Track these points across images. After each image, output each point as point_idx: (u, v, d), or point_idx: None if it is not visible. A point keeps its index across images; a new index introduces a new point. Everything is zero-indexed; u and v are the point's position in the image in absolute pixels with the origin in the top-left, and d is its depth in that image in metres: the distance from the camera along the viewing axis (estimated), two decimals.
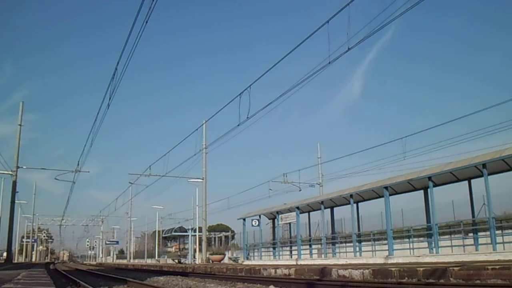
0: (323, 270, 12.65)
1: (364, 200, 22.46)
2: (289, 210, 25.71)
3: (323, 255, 23.09)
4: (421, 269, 9.81)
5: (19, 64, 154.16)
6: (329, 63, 12.11)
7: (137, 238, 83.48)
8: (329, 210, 25.19)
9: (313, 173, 34.81)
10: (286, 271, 14.45)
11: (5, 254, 33.84)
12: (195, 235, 37.86)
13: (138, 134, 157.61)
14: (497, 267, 8.54)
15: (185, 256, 43.36)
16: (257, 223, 28.87)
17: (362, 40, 11.10)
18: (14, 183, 28.78)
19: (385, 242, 19.06)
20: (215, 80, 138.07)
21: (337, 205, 24.43)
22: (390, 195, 18.95)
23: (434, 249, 16.47)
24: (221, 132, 38.60)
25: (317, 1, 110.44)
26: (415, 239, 20.15)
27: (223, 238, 63.83)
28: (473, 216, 17.15)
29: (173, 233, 49.90)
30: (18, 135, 29.24)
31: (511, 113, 21.57)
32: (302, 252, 24.73)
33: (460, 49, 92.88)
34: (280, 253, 27.47)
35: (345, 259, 20.62)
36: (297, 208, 24.84)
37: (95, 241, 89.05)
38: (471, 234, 16.78)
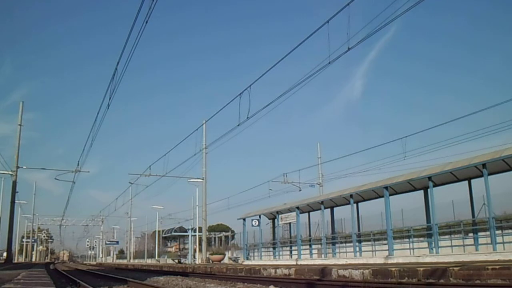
0: (323, 270, 12.65)
1: (364, 200, 22.45)
2: (289, 210, 25.70)
3: (323, 255, 23.08)
4: (421, 269, 9.81)
5: (19, 63, 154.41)
6: (329, 63, 12.12)
7: (137, 238, 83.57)
8: (329, 210, 25.18)
9: (313, 173, 34.88)
10: (286, 271, 14.44)
11: (5, 254, 33.85)
12: (195, 235, 37.85)
13: (138, 134, 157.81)
14: (497, 267, 8.54)
15: (185, 256, 43.31)
16: (257, 223, 28.86)
17: (362, 40, 11.10)
18: (14, 183, 28.78)
19: (385, 242, 19.05)
20: (215, 80, 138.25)
21: (337, 205, 24.42)
22: (390, 195, 18.95)
23: (434, 249, 16.46)
24: (221, 132, 38.56)
25: (317, 1, 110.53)
26: (415, 239, 20.15)
27: (223, 238, 63.76)
28: (473, 216, 17.14)
29: (173, 233, 49.79)
30: (18, 135, 29.24)
31: (511, 113, 21.58)
32: (302, 252, 24.72)
33: (460, 49, 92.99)
34: (280, 253, 27.47)
35: (345, 259, 20.62)
36: (297, 208, 24.83)
37: (95, 241, 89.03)
38: (471, 234, 16.78)
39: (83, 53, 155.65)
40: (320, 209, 23.62)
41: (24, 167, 30.27)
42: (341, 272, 11.87)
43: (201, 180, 31.30)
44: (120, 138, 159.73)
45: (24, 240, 72.96)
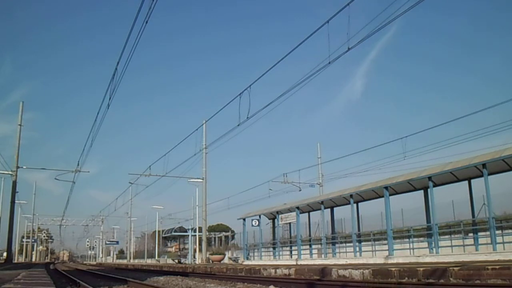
0: (323, 270, 12.65)
1: (364, 200, 22.45)
2: (289, 210, 25.70)
3: (323, 255, 23.08)
4: (421, 269, 9.81)
5: (19, 63, 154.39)
6: (329, 63, 12.12)
7: (137, 238, 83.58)
8: (329, 210, 25.18)
9: (313, 173, 34.94)
10: (286, 271, 14.44)
11: (5, 254, 33.84)
12: (195, 235, 37.85)
13: (138, 134, 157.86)
14: (497, 267, 8.54)
15: (185, 256, 43.32)
16: (257, 223, 28.86)
17: (362, 40, 11.10)
18: (14, 183, 28.77)
19: (385, 242, 19.05)
20: (215, 80, 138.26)
21: (337, 205, 24.42)
22: (390, 195, 18.95)
23: (434, 249, 16.46)
24: (221, 132, 38.64)
25: (317, 1, 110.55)
26: (415, 239, 20.15)
27: (223, 238, 63.74)
28: (473, 216, 17.14)
29: (173, 233, 49.82)
30: (18, 135, 29.23)
31: (511, 113, 21.59)
32: (302, 252, 24.72)
33: (460, 49, 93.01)
34: (280, 253, 27.47)
35: (345, 259, 20.62)
36: (297, 208, 24.83)
37: (95, 241, 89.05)
38: (471, 234, 16.78)
39: (83, 53, 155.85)
40: (320, 209, 23.62)
41: (24, 167, 30.28)
42: (341, 272, 11.87)
43: (201, 180, 31.30)
44: (120, 138, 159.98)
45: (24, 240, 72.96)
